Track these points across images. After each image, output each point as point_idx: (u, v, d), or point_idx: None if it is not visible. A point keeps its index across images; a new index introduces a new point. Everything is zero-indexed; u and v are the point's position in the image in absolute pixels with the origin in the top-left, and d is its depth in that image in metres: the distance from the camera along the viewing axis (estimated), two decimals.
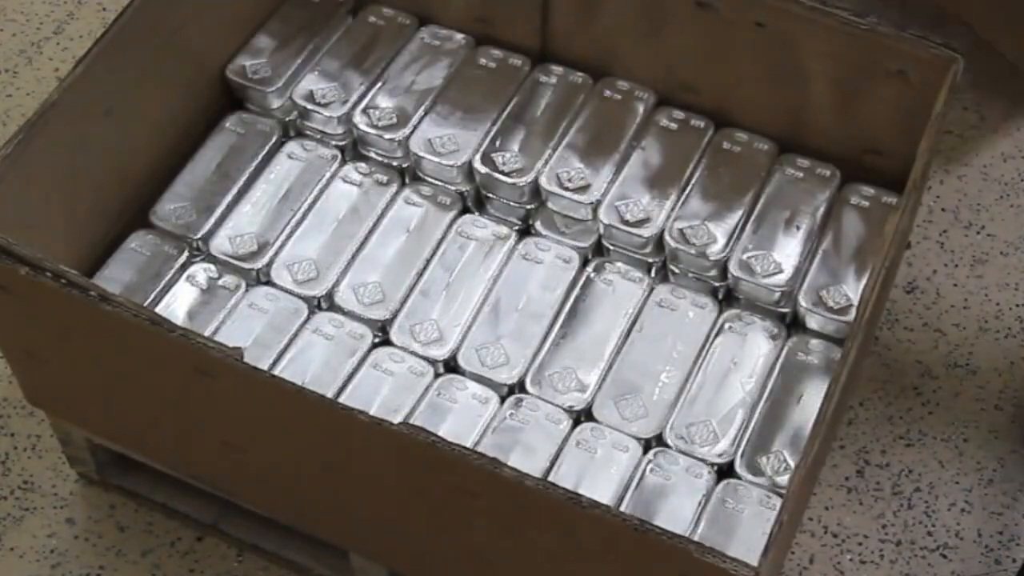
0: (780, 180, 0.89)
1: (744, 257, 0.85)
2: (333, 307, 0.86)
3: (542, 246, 0.88)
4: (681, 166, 0.89)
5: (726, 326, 0.85)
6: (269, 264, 0.87)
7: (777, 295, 0.85)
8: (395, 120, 0.91)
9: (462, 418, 0.81)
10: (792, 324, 0.86)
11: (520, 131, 0.91)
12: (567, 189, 0.88)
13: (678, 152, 0.90)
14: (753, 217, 0.87)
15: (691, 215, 0.87)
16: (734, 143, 0.90)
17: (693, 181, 0.89)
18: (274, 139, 0.92)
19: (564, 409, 0.82)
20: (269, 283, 0.87)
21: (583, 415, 0.82)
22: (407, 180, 0.92)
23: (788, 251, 0.86)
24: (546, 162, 0.89)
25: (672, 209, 0.88)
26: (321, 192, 0.90)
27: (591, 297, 0.86)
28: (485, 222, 0.89)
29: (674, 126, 0.91)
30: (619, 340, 0.84)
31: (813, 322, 0.85)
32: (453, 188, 0.91)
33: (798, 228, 0.87)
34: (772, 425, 0.81)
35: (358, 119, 0.91)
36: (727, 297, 0.88)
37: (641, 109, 0.92)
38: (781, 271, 0.85)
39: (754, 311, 0.86)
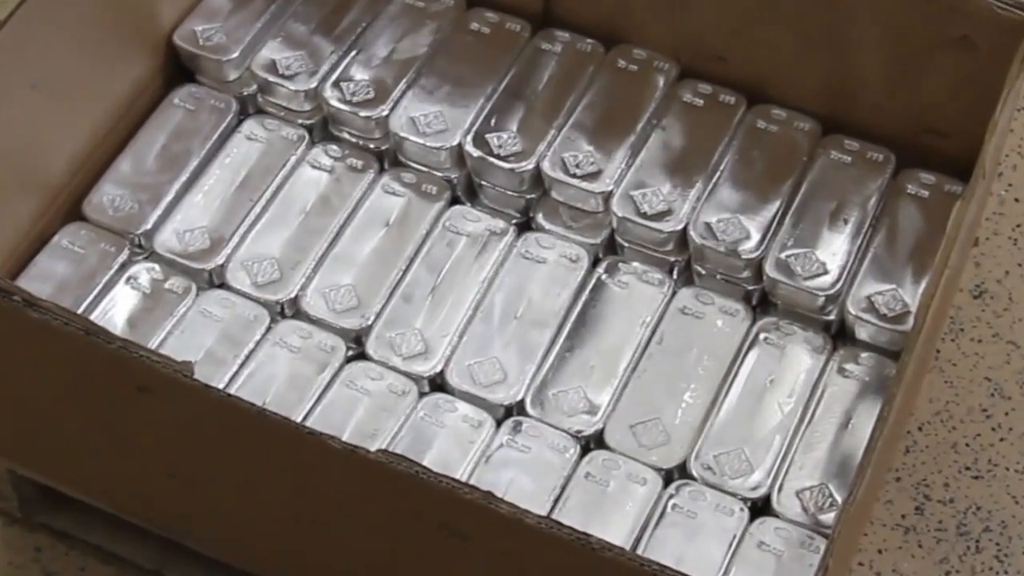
0: (824, 165, 0.90)
1: (782, 256, 0.86)
2: (299, 314, 0.86)
3: (545, 243, 0.89)
4: (708, 149, 0.90)
5: (761, 337, 0.85)
6: (224, 264, 0.87)
7: (821, 300, 0.85)
8: (372, 95, 0.91)
9: (451, 445, 0.81)
10: (839, 335, 0.87)
11: (519, 108, 0.91)
12: (574, 176, 0.89)
13: (705, 132, 0.90)
14: (793, 209, 0.88)
15: (720, 206, 0.88)
16: (770, 122, 0.91)
17: (722, 167, 0.90)
18: (230, 117, 0.92)
19: (571, 434, 0.82)
20: (224, 286, 0.87)
21: (593, 441, 0.83)
22: (386, 165, 0.92)
23: (834, 248, 0.86)
24: (549, 144, 0.90)
25: (698, 199, 0.88)
26: (285, 179, 0.90)
27: (602, 302, 0.87)
28: (478, 215, 0.90)
29: (700, 102, 0.91)
30: (635, 353, 0.85)
31: (863, 332, 0.85)
32: (440, 175, 0.91)
33: (846, 221, 0.87)
34: (815, 453, 0.81)
35: (329, 94, 0.91)
36: (762, 303, 0.88)
37: (661, 82, 0.92)
38: (826, 272, 0.85)
39: (794, 319, 0.86)
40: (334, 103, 0.91)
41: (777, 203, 0.88)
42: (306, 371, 0.83)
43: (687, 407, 0.83)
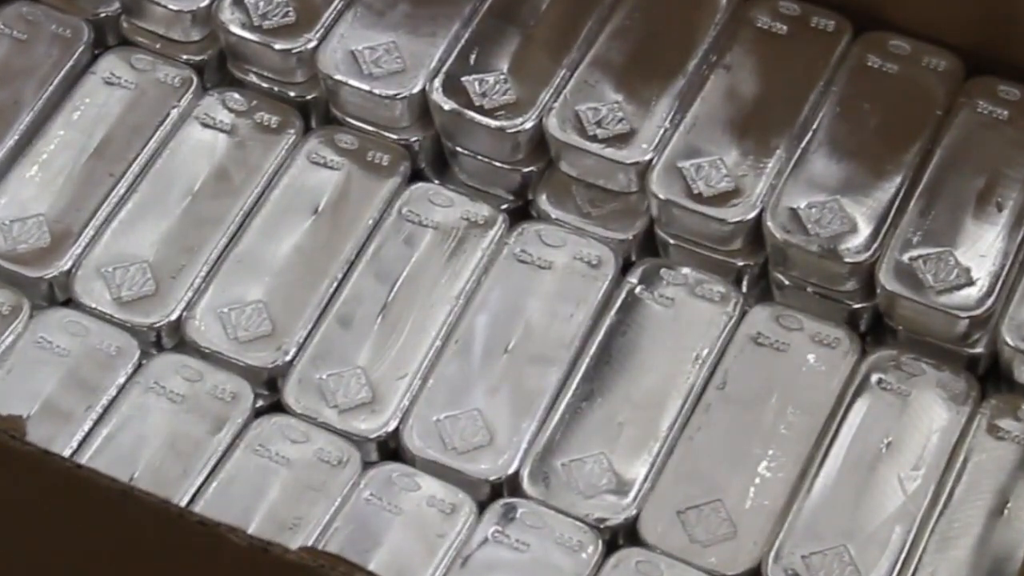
0: (969, 122, 0.89)
1: (905, 258, 0.85)
2: (184, 346, 0.86)
3: (551, 239, 0.88)
4: (794, 99, 0.89)
5: (874, 379, 0.85)
6: (72, 270, 0.87)
7: (963, 325, 0.85)
8: (292, 17, 0.90)
9: (411, 539, 0.81)
10: (989, 376, 0.86)
11: (512, 37, 0.90)
12: (595, 139, 0.88)
13: (789, 74, 0.90)
14: (921, 188, 0.87)
15: (812, 185, 0.87)
16: (887, 58, 0.90)
17: (816, 125, 0.89)
18: (80, 50, 0.91)
19: (590, 524, 0.81)
20: (71, 303, 0.87)
21: (623, 535, 0.82)
22: (314, 123, 0.91)
23: (982, 247, 0.86)
24: (557, 92, 0.89)
25: (779, 174, 0.87)
26: (163, 144, 0.90)
27: (637, 328, 0.86)
28: (451, 196, 0.89)
29: (782, 28, 0.91)
30: (685, 403, 0.84)
31: None
32: (395, 137, 0.90)
33: (1000, 207, 0.87)
34: (955, 553, 0.80)
35: (227, 15, 0.90)
36: (875, 328, 0.87)
37: None
38: (970, 282, 0.85)
39: (923, 353, 0.85)
40: (235, 30, 0.90)
41: (897, 179, 0.87)
42: (194, 430, 0.83)
43: (763, 484, 0.82)
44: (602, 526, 0.81)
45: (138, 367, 0.84)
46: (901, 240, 0.85)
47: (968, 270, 0.85)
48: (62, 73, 0.91)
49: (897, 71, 0.90)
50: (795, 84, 0.89)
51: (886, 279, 0.84)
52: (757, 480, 0.82)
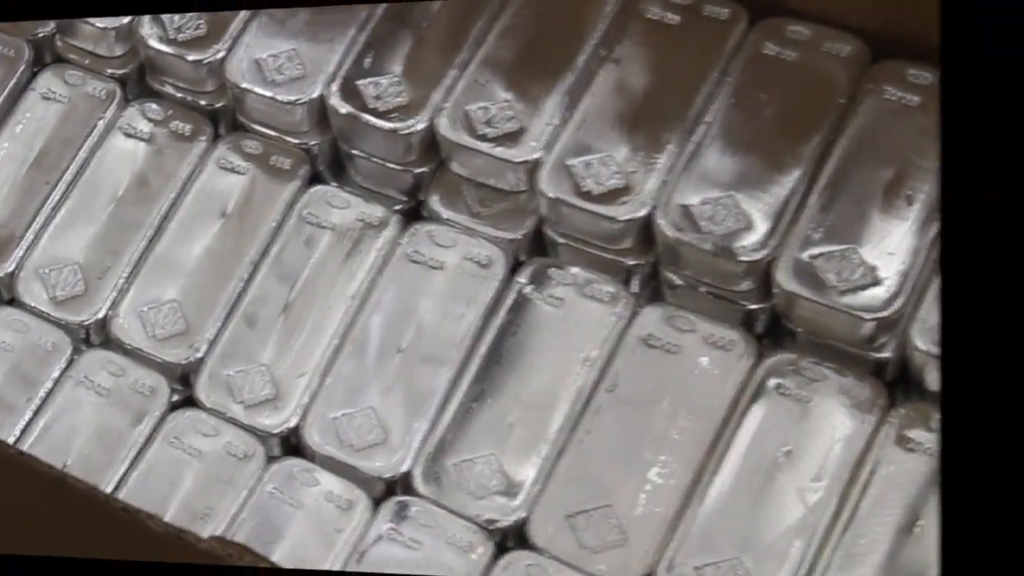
0: (876, 109, 0.73)
1: (805, 256, 0.70)
2: (109, 342, 0.80)
3: (442, 239, 0.77)
4: (687, 91, 0.75)
5: (771, 384, 0.71)
6: (15, 271, 0.81)
7: (869, 327, 0.69)
8: (204, 29, 0.81)
9: (310, 533, 0.72)
10: (898, 383, 0.71)
11: (405, 40, 0.80)
12: (484, 138, 0.77)
13: (681, 65, 0.76)
14: (824, 181, 0.72)
15: (706, 180, 0.74)
16: (785, 45, 0.74)
17: (710, 118, 0.74)
18: (22, 68, 0.85)
19: (479, 525, 0.71)
20: (14, 303, 0.81)
21: (512, 537, 0.71)
22: (223, 129, 0.82)
23: (890, 244, 0.70)
24: (448, 92, 0.79)
25: (670, 170, 0.74)
26: (92, 153, 0.83)
27: (526, 328, 0.75)
28: (347, 198, 0.80)
29: (674, 18, 0.75)
30: (575, 405, 0.72)
31: (937, 379, 0.70)
32: (295, 141, 0.82)
33: (910, 200, 0.71)
34: (861, 571, 0.66)
35: (147, 31, 0.82)
36: (773, 331, 0.74)
37: None
38: (876, 282, 0.69)
39: (825, 357, 0.71)
40: (153, 43, 0.81)
41: (796, 173, 0.72)
42: (118, 422, 0.75)
43: (654, 490, 0.69)
44: (492, 527, 0.70)
45: (71, 362, 0.78)
46: (801, 237, 0.70)
47: (874, 269, 0.68)
48: (7, 90, 0.84)
49: (796, 58, 0.73)
50: (688, 76, 0.74)
51: (784, 279, 0.68)
52: (648, 486, 0.69)
